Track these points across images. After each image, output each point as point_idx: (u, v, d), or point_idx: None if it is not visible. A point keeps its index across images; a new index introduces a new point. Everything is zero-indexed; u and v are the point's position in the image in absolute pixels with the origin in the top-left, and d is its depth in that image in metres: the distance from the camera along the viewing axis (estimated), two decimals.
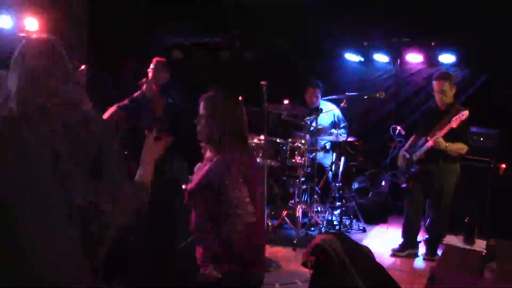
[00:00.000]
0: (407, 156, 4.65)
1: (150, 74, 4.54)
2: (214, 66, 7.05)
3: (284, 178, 5.66)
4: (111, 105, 5.80)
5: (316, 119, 5.26)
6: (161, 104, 4.45)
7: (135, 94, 4.37)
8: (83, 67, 5.74)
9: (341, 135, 5.40)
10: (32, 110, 1.68)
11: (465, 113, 4.20)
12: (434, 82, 4.47)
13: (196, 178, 2.34)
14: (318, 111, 5.40)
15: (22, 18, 6.23)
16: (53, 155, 1.67)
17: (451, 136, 4.28)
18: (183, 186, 2.43)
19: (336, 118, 5.71)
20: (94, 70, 5.96)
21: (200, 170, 2.38)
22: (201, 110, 2.38)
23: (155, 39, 7.10)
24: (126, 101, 4.31)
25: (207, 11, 6.73)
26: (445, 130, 4.25)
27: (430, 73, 5.76)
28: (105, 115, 4.10)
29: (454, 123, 4.19)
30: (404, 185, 4.73)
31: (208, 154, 2.41)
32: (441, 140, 4.26)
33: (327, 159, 5.72)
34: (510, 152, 5.18)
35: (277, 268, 4.36)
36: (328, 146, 5.76)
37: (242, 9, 6.56)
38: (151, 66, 4.59)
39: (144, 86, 4.33)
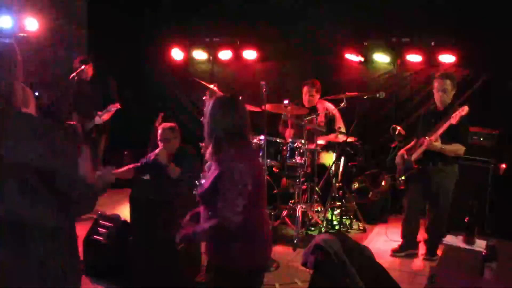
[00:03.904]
0: (405, 156, 4.64)
1: (160, 144, 4.25)
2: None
3: (284, 178, 5.66)
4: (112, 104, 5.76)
5: (316, 119, 5.25)
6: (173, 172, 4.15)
7: (149, 158, 4.19)
8: (82, 66, 5.76)
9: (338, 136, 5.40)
10: None
11: (465, 108, 4.19)
12: (436, 80, 4.44)
13: (205, 183, 2.45)
14: (316, 110, 5.38)
15: (22, 18, 6.24)
16: None
17: (450, 134, 4.27)
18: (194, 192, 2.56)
19: (331, 118, 5.67)
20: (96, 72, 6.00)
21: (209, 170, 2.49)
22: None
23: (155, 38, 7.10)
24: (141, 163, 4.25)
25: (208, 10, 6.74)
26: (444, 127, 4.24)
27: (430, 73, 5.76)
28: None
29: (453, 119, 4.17)
30: (402, 188, 4.73)
31: (209, 149, 2.47)
32: (435, 143, 4.27)
33: (328, 159, 5.72)
34: (510, 152, 5.18)
35: (277, 268, 4.36)
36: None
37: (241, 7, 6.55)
38: (159, 136, 4.28)
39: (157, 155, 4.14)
